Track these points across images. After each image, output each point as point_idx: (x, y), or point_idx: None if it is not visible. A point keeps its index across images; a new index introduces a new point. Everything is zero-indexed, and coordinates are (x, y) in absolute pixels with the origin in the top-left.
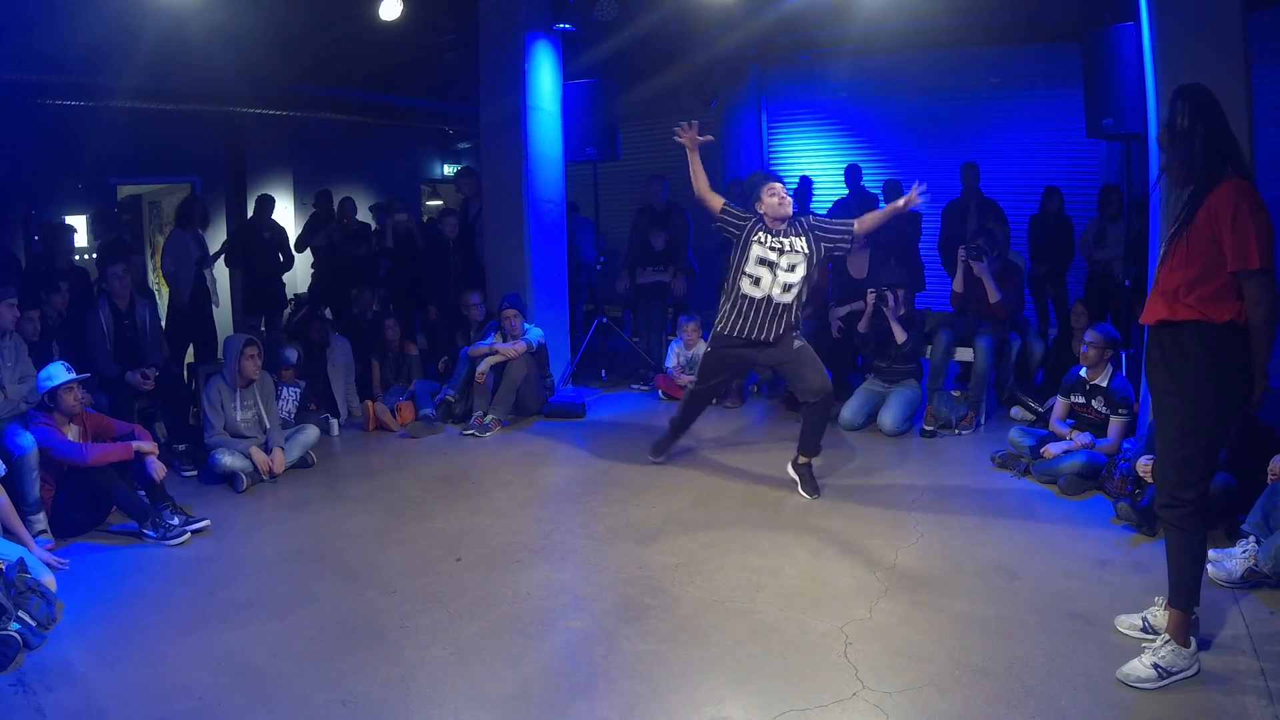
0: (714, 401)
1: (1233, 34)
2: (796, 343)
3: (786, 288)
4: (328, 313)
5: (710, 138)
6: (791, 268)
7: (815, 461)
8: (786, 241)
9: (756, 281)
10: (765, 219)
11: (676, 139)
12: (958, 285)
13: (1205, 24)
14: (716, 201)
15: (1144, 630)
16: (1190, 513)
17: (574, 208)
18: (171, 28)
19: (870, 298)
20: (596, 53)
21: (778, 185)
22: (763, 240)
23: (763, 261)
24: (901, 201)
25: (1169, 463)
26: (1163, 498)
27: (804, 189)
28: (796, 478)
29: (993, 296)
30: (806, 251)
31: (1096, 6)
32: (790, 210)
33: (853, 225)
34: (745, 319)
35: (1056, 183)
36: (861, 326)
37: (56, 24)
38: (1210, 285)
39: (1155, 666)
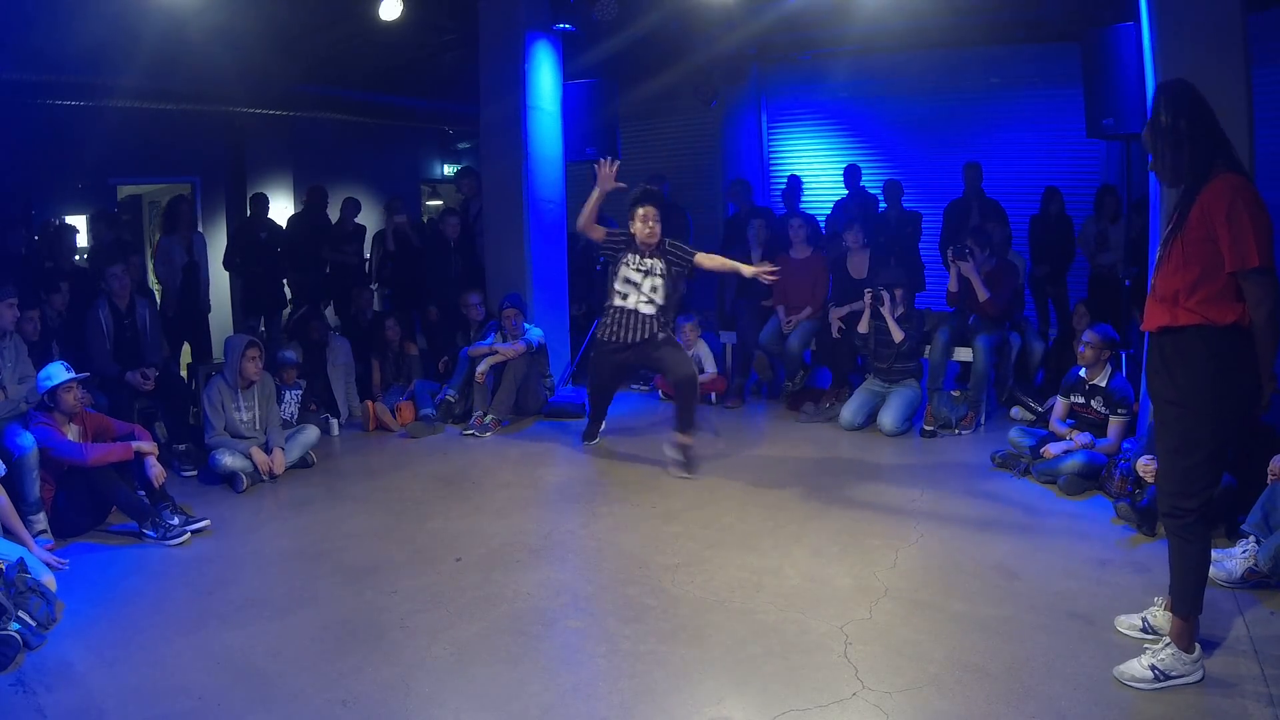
0: (713, 401)
1: (1233, 34)
2: (660, 334)
3: (649, 301)
4: (330, 312)
5: (623, 185)
6: (654, 288)
7: (690, 441)
8: (649, 263)
9: (625, 297)
10: (635, 239)
11: (596, 169)
12: (952, 284)
13: (1205, 24)
14: (599, 232)
15: (1144, 630)
16: (1193, 522)
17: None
18: (171, 28)
19: (867, 298)
20: (596, 53)
21: (650, 212)
22: (630, 262)
23: (628, 281)
24: (748, 270)
25: (1171, 473)
26: (1165, 506)
27: (793, 188)
28: (677, 457)
29: (980, 295)
30: (664, 272)
31: (1096, 6)
32: (656, 239)
33: (694, 255)
34: (617, 326)
35: (1056, 183)
36: (861, 327)
37: (57, 24)
38: (1210, 287)
39: (1153, 668)
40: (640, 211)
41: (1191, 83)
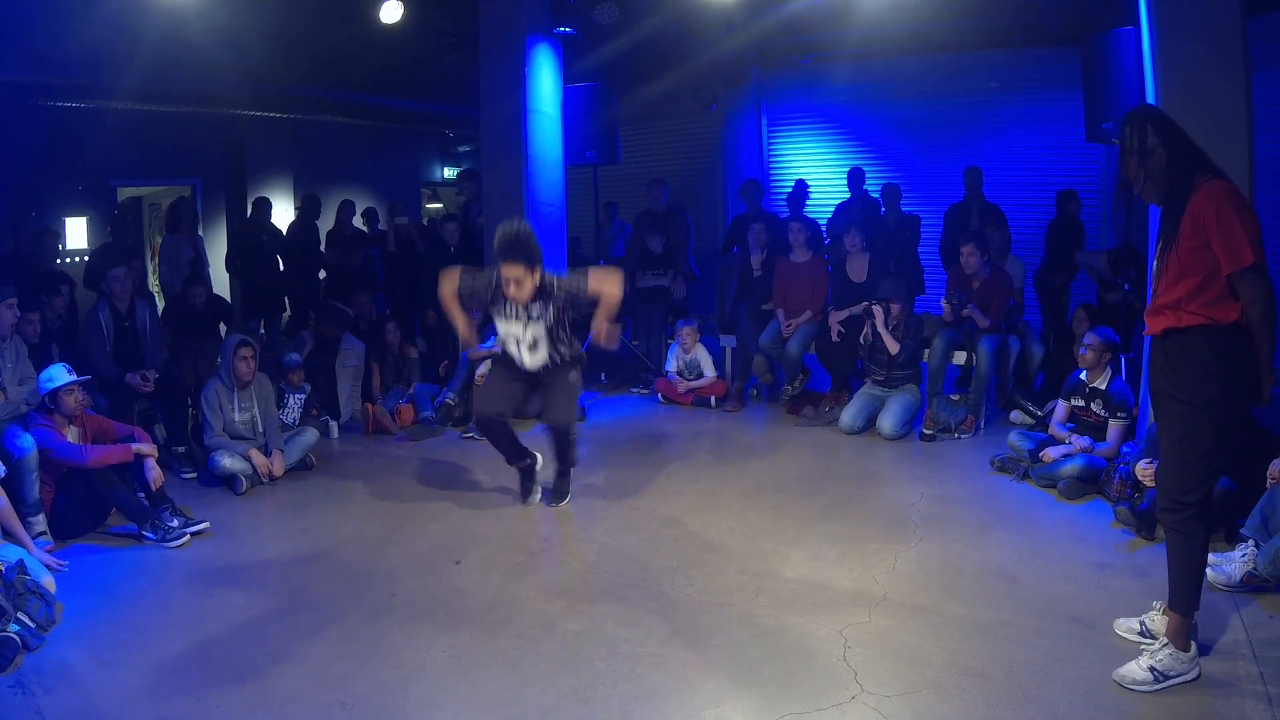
0: (713, 404)
1: (1232, 38)
2: (572, 375)
3: (533, 349)
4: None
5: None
6: (535, 340)
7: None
8: (531, 309)
9: (505, 350)
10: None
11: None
12: (948, 317)
13: (1204, 28)
14: (454, 305)
15: (1141, 634)
16: (1191, 516)
17: (616, 206)
18: (172, 30)
19: (867, 324)
20: (597, 56)
21: (514, 271)
22: (505, 313)
23: (509, 335)
24: (603, 319)
25: (1171, 468)
26: (1163, 501)
27: (799, 192)
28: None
29: (981, 324)
30: (550, 321)
31: (1096, 10)
32: (526, 298)
33: (584, 284)
34: (512, 360)
35: (1056, 187)
36: (864, 339)
37: (57, 25)
38: (1211, 291)
39: (1151, 669)
40: (503, 269)
41: (1153, 106)
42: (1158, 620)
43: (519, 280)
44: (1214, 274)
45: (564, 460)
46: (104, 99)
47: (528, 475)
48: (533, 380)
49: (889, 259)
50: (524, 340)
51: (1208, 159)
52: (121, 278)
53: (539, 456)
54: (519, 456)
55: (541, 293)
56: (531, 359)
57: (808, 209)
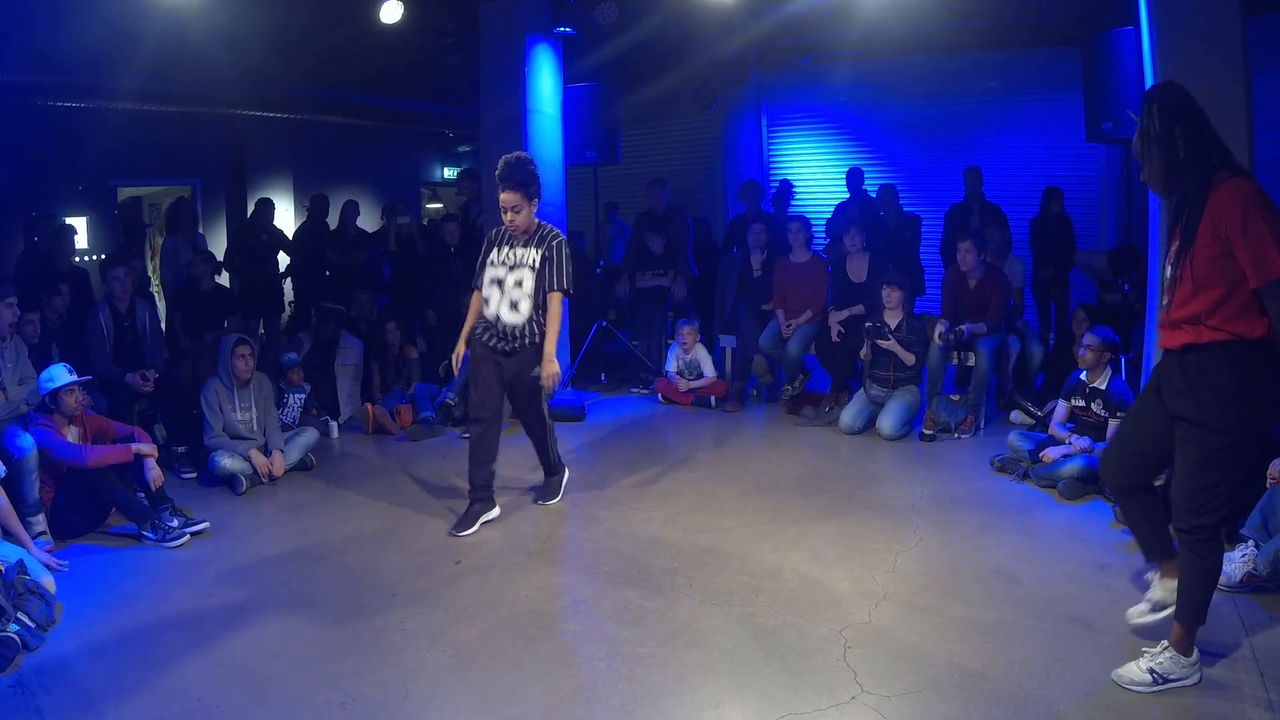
0: (713, 405)
1: (1232, 38)
2: (535, 369)
3: (514, 305)
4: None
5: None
6: (519, 283)
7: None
8: (519, 253)
9: (488, 301)
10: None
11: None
12: (939, 341)
13: (1205, 28)
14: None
15: (1154, 610)
16: (1209, 538)
17: (616, 206)
18: (172, 29)
19: (867, 345)
20: (597, 56)
21: (511, 198)
22: (495, 258)
23: (494, 281)
24: (549, 348)
25: (1187, 491)
26: (1180, 521)
27: (783, 193)
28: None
29: (979, 334)
30: (534, 264)
31: (1096, 11)
32: (523, 226)
33: (556, 293)
34: (489, 329)
35: (1056, 187)
36: (863, 356)
37: (57, 25)
38: (1234, 303)
39: (1151, 671)
40: (500, 195)
41: (1182, 85)
42: (1158, 585)
43: (516, 207)
44: (1237, 285)
45: (544, 462)
46: (104, 99)
47: (474, 508)
48: (504, 360)
49: (889, 259)
50: (507, 287)
51: (1230, 155)
52: (121, 278)
53: (497, 509)
54: (481, 485)
55: (537, 235)
56: (508, 315)
57: (804, 210)
